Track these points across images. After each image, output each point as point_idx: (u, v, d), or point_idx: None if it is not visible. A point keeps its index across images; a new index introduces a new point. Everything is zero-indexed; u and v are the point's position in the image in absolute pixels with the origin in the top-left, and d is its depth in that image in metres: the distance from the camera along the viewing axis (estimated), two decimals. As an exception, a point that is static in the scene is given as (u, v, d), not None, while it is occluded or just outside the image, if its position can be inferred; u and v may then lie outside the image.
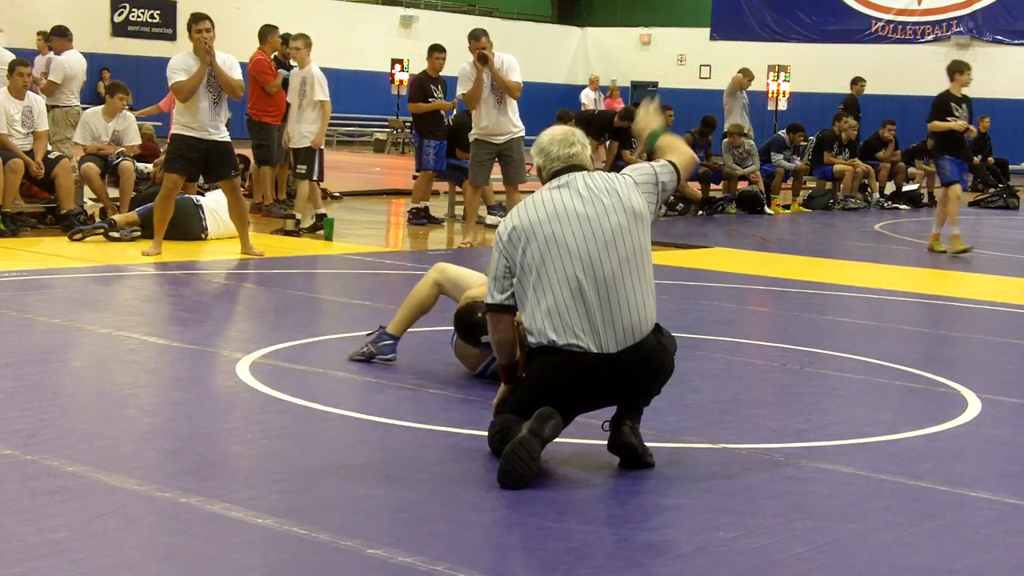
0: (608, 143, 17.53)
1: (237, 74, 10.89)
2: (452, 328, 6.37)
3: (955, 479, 4.98)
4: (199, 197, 11.76)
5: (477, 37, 11.91)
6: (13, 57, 12.52)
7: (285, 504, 4.33)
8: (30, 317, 7.68)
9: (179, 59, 10.64)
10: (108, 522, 4.10)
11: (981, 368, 7.49)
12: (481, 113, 11.93)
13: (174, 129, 10.89)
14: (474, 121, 12.13)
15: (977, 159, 24.47)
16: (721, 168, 18.08)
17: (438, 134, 14.36)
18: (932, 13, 34.97)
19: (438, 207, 15.36)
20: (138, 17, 31.42)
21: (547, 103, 27.04)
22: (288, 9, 30.55)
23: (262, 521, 4.12)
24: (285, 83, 13.53)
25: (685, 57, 39.25)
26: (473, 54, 11.85)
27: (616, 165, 17.09)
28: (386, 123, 32.28)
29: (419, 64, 16.04)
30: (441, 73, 14.32)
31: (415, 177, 14.93)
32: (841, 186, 19.49)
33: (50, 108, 12.93)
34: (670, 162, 5.11)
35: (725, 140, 18.35)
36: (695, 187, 17.21)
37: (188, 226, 11.47)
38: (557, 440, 4.79)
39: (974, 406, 6.25)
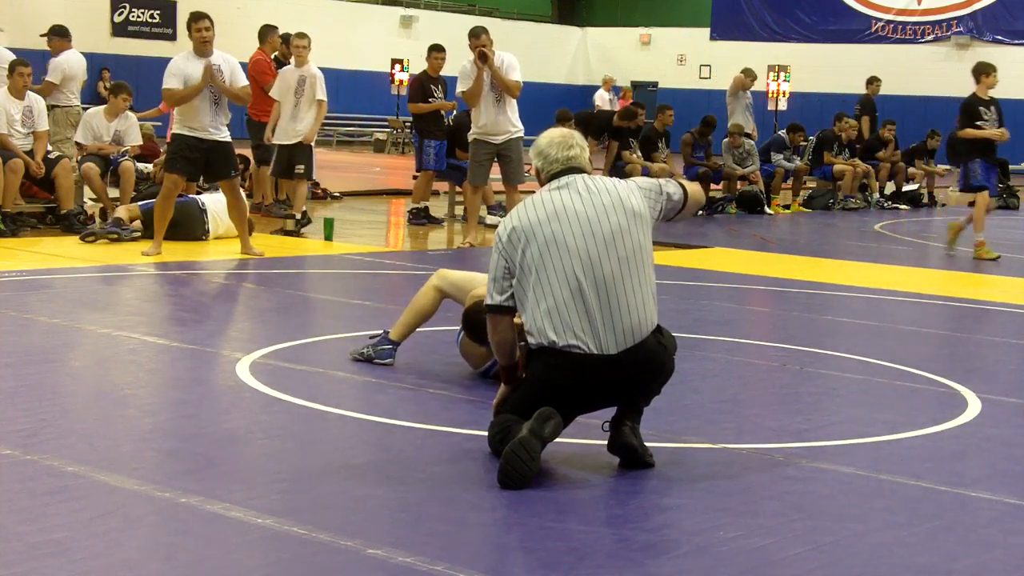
0: (607, 143, 17.51)
1: (241, 77, 10.89)
2: (453, 328, 6.37)
3: (955, 479, 4.98)
4: (203, 199, 11.72)
5: (477, 35, 11.90)
6: (14, 57, 12.51)
7: (285, 504, 4.33)
8: (30, 317, 7.68)
9: (179, 59, 10.64)
10: (108, 522, 4.10)
11: (981, 368, 7.49)
12: (480, 112, 11.92)
13: (175, 129, 10.88)
14: (473, 120, 12.12)
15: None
16: (721, 168, 18.08)
17: (438, 134, 14.35)
18: (932, 13, 34.98)
19: (438, 207, 15.36)
20: (138, 17, 31.40)
21: (547, 103, 27.05)
22: (288, 9, 30.54)
23: (262, 521, 4.12)
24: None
25: (685, 57, 39.25)
26: (473, 52, 11.85)
27: (616, 165, 17.10)
28: (386, 123, 32.27)
29: (419, 64, 16.04)
30: (441, 73, 14.32)
31: (415, 177, 14.93)
32: (841, 186, 19.49)
33: (50, 108, 12.92)
34: (679, 182, 5.26)
35: (725, 140, 18.35)
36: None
37: (191, 228, 11.47)
38: (557, 440, 4.79)
39: (974, 406, 6.25)
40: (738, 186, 18.27)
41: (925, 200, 20.98)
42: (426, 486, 4.59)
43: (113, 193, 12.53)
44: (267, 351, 6.83)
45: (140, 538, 4.02)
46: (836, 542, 4.21)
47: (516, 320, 5.00)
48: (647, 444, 4.95)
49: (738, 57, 32.19)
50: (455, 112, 15.41)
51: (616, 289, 4.82)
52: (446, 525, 4.20)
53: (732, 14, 37.84)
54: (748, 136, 18.66)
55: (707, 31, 38.62)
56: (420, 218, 14.37)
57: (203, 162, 10.61)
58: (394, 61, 30.92)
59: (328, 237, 12.18)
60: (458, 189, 14.93)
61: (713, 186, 18.00)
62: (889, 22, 35.55)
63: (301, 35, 13.02)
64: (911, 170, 21.16)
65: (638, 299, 4.85)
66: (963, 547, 4.25)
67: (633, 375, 4.88)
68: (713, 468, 5.03)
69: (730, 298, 10.02)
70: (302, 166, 12.69)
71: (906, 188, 20.91)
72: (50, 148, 12.42)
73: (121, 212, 11.50)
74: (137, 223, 11.40)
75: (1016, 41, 33.56)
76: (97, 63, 25.93)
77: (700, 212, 17.05)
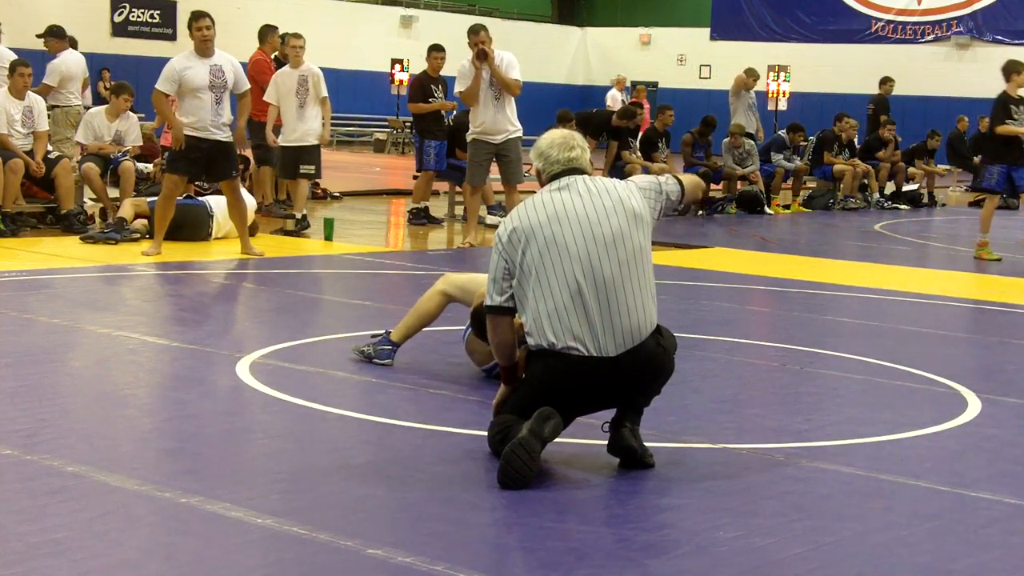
0: (607, 143, 17.50)
1: (243, 79, 10.88)
2: (455, 328, 6.37)
3: (955, 479, 4.98)
4: (211, 204, 11.68)
5: (476, 32, 11.90)
6: (15, 57, 12.50)
7: (285, 504, 4.33)
8: (30, 317, 7.68)
9: (178, 60, 10.62)
10: (108, 522, 4.10)
11: (981, 368, 7.49)
12: (478, 112, 11.91)
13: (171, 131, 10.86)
14: (471, 120, 12.11)
15: (977, 159, 24.48)
16: (721, 168, 18.08)
17: (438, 134, 14.35)
18: (932, 13, 34.98)
19: (438, 207, 15.37)
20: (138, 17, 31.41)
21: (547, 103, 27.08)
22: (288, 9, 30.56)
23: (262, 521, 4.12)
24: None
25: (685, 57, 39.25)
26: (472, 50, 11.85)
27: (616, 165, 17.09)
28: (386, 123, 32.28)
29: (419, 64, 16.04)
30: (441, 73, 14.32)
31: (415, 177, 14.93)
32: (841, 186, 19.49)
33: (50, 108, 12.92)
34: (676, 178, 5.24)
35: (726, 140, 18.35)
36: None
37: (196, 231, 11.47)
38: (557, 440, 4.79)
39: (974, 406, 6.25)
40: (738, 186, 18.27)
41: (925, 200, 20.98)
42: (426, 486, 4.59)
43: (113, 193, 12.53)
44: (267, 351, 6.83)
45: (140, 538, 4.02)
46: (836, 542, 4.21)
47: (516, 321, 5.00)
48: (647, 444, 4.95)
49: (738, 57, 32.18)
50: (455, 112, 15.42)
51: (616, 291, 4.82)
52: (446, 525, 4.20)
53: (732, 14, 37.83)
54: (751, 136, 18.66)
55: (707, 31, 38.61)
56: (420, 218, 14.37)
57: (205, 162, 10.60)
58: (394, 61, 30.93)
59: (328, 237, 12.18)
60: (458, 189, 14.93)
61: (713, 186, 17.99)
62: (889, 22, 35.55)
63: (296, 35, 12.97)
64: (911, 170, 21.16)
65: (638, 301, 4.85)
66: (963, 547, 4.25)
67: (632, 377, 4.87)
68: (713, 468, 5.03)
69: (730, 298, 10.02)
70: (311, 167, 12.66)
71: (906, 188, 20.91)
72: (50, 148, 12.42)
73: (127, 207, 11.47)
74: (141, 222, 11.36)
75: (1016, 41, 33.54)
76: (97, 63, 25.92)
77: (700, 212, 17.08)
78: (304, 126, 12.60)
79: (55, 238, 11.51)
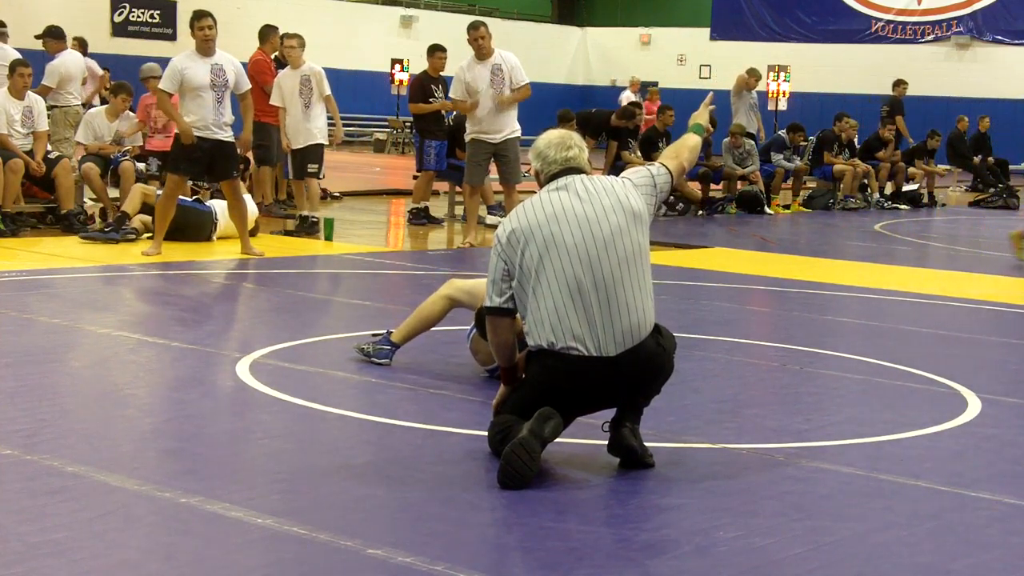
0: (607, 143, 17.49)
1: (244, 80, 10.87)
2: (455, 328, 6.37)
3: (955, 479, 4.98)
4: (216, 210, 11.64)
5: (476, 27, 11.92)
6: (15, 56, 12.48)
7: (285, 504, 4.33)
8: (30, 317, 7.68)
9: (180, 59, 10.62)
10: (108, 522, 4.10)
11: (981, 368, 7.49)
12: (477, 111, 11.89)
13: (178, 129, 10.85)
14: (469, 119, 12.09)
15: (977, 159, 24.49)
16: (721, 168, 18.08)
17: (439, 134, 14.34)
18: (932, 13, 34.97)
19: (438, 207, 15.36)
20: (138, 17, 31.41)
21: (547, 103, 27.03)
22: (288, 9, 30.55)
23: (262, 521, 4.12)
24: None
25: (685, 57, 39.25)
26: (472, 45, 11.86)
27: (616, 166, 17.08)
28: (386, 123, 32.28)
29: (419, 64, 16.04)
30: (441, 73, 14.31)
31: (415, 177, 14.92)
32: (841, 186, 19.49)
33: (50, 108, 12.92)
34: (664, 166, 5.18)
35: (726, 140, 18.35)
36: (695, 187, 17.20)
37: (198, 233, 11.46)
38: (557, 440, 4.79)
39: (974, 406, 6.25)
40: (738, 186, 18.27)
41: (925, 200, 20.97)
42: (426, 486, 4.59)
43: (113, 193, 12.53)
44: (267, 351, 6.83)
45: (140, 538, 4.02)
46: (836, 542, 4.21)
47: (517, 323, 5.00)
48: (647, 444, 4.95)
49: (738, 57, 32.18)
50: (455, 112, 15.41)
51: (616, 291, 4.82)
52: (446, 525, 4.20)
53: (732, 14, 37.82)
54: (752, 136, 18.66)
55: (707, 31, 38.61)
56: (420, 218, 14.37)
57: (207, 161, 10.59)
58: (394, 61, 30.93)
59: (328, 237, 12.18)
60: (458, 189, 14.91)
61: (713, 186, 18.00)
62: (889, 22, 35.55)
63: (291, 35, 12.91)
64: (911, 170, 21.16)
65: (637, 301, 4.85)
66: (963, 547, 4.25)
67: (632, 377, 4.87)
68: (713, 468, 5.03)
69: (730, 298, 10.02)
70: (315, 165, 12.64)
71: (906, 188, 20.91)
72: (50, 148, 12.42)
73: (135, 195, 11.41)
74: (140, 220, 11.31)
75: (1016, 41, 33.56)
76: (97, 63, 25.89)
77: (700, 212, 17.07)
78: (307, 126, 12.54)
79: (55, 238, 11.50)
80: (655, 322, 4.94)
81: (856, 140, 20.41)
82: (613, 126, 17.23)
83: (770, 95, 25.93)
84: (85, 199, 12.81)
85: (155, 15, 31.53)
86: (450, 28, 28.92)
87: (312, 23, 28.41)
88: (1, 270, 9.43)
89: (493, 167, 12.49)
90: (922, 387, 6.73)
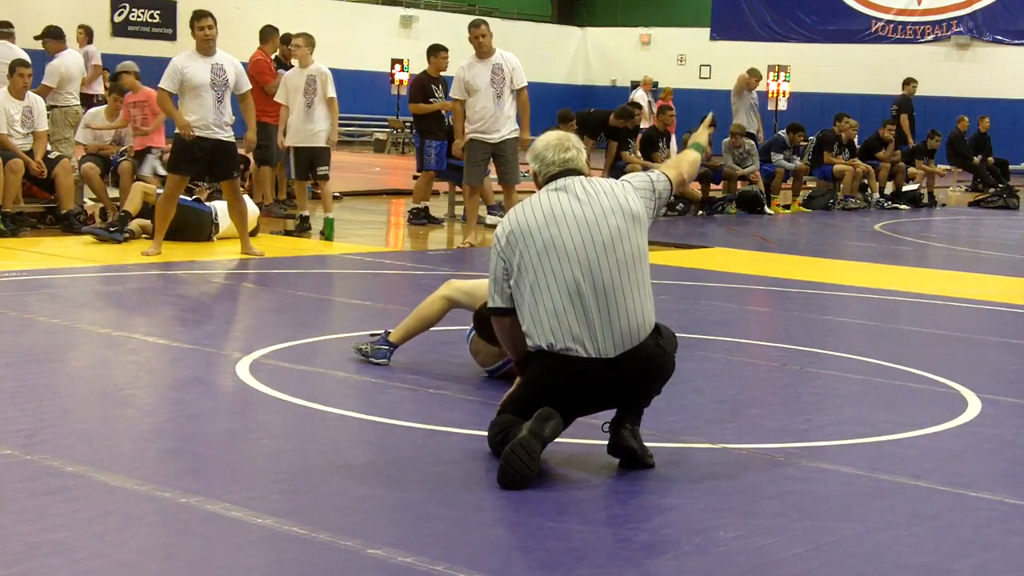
0: (607, 144, 17.49)
1: (245, 80, 10.87)
2: (454, 328, 6.37)
3: (955, 479, 4.98)
4: (216, 212, 11.64)
5: (477, 25, 11.92)
6: (16, 56, 12.47)
7: (285, 504, 4.33)
8: (30, 317, 7.68)
9: (180, 59, 10.62)
10: (108, 522, 4.10)
11: (981, 368, 7.49)
12: (475, 110, 11.89)
13: (178, 129, 10.84)
14: (468, 119, 12.07)
15: (977, 159, 24.49)
16: (721, 168, 18.08)
17: (439, 134, 14.33)
18: (932, 13, 34.97)
19: (438, 207, 15.36)
20: (138, 17, 31.40)
21: (547, 103, 27.05)
22: (288, 9, 30.54)
23: (262, 521, 4.12)
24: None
25: (685, 57, 39.24)
26: (472, 43, 11.86)
27: (616, 166, 17.09)
28: (386, 123, 32.28)
29: (419, 64, 16.04)
30: (442, 73, 14.31)
31: (415, 177, 14.92)
32: (841, 186, 19.49)
33: (50, 108, 12.92)
34: (665, 174, 5.20)
35: (726, 140, 18.35)
36: (695, 187, 17.20)
37: (198, 234, 11.46)
38: (557, 440, 4.79)
39: (974, 406, 6.25)
40: (738, 186, 18.27)
41: (925, 200, 20.97)
42: (426, 486, 4.59)
43: (113, 193, 12.53)
44: (267, 351, 6.83)
45: (140, 538, 4.02)
46: (836, 542, 4.21)
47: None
48: (647, 444, 4.95)
49: (738, 57, 32.18)
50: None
51: (615, 292, 4.82)
52: (446, 525, 4.20)
53: (732, 14, 37.82)
54: (752, 136, 18.65)
55: (707, 31, 38.60)
56: (420, 218, 14.37)
57: (207, 162, 10.59)
58: (394, 61, 30.92)
59: (328, 237, 12.18)
60: (458, 189, 14.90)
61: (713, 186, 18.00)
62: (889, 22, 35.54)
63: (297, 35, 12.88)
64: (911, 170, 21.16)
65: (637, 302, 4.85)
66: (963, 547, 4.25)
67: (632, 378, 4.87)
68: (713, 468, 5.03)
69: (730, 298, 10.02)
70: (325, 167, 12.62)
71: (906, 188, 20.91)
72: (50, 148, 12.42)
73: (136, 193, 11.41)
74: (139, 223, 11.32)
75: (1016, 41, 33.56)
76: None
77: (700, 212, 17.07)
78: (312, 126, 12.48)
79: (55, 238, 11.50)
80: (656, 322, 4.95)
81: (856, 140, 20.41)
82: (612, 126, 17.23)
83: (770, 95, 25.93)
84: (85, 199, 12.81)
85: (155, 15, 31.52)
86: (450, 28, 28.92)
87: (312, 23, 28.30)
88: (1, 270, 9.43)
89: (494, 168, 12.49)
90: (922, 387, 6.73)
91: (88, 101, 15.49)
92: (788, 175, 18.92)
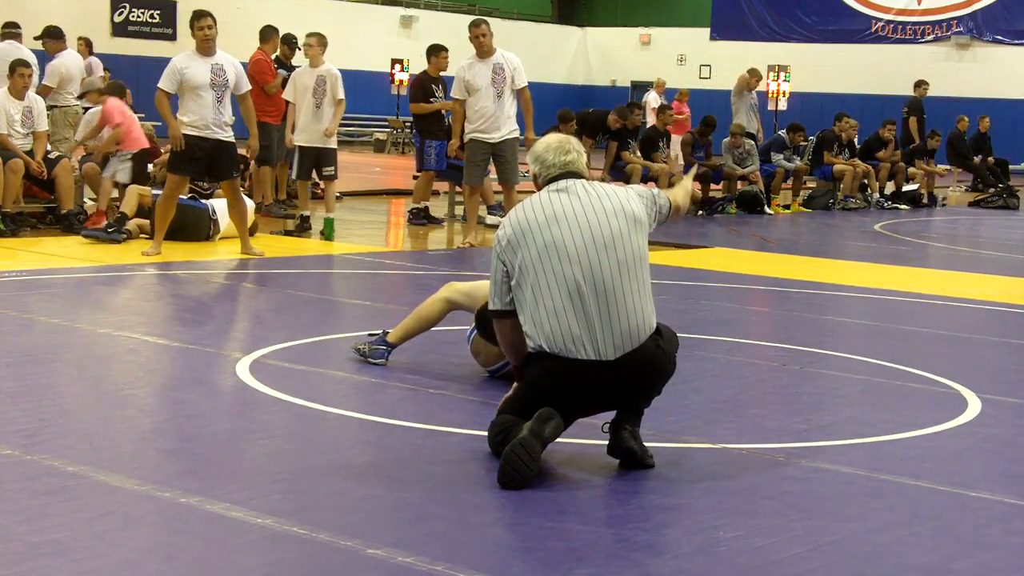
0: (607, 144, 17.48)
1: (244, 80, 10.86)
2: (453, 328, 6.37)
3: (955, 479, 4.98)
4: (214, 209, 11.64)
5: (477, 24, 11.92)
6: (17, 56, 12.47)
7: (285, 504, 4.33)
8: (30, 317, 7.68)
9: (180, 59, 10.61)
10: (108, 522, 4.10)
11: (981, 368, 7.49)
12: (475, 110, 11.89)
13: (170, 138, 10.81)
14: (468, 119, 12.08)
15: (977, 159, 24.50)
16: (721, 168, 18.08)
17: (439, 134, 14.32)
18: (932, 13, 34.97)
19: (438, 207, 15.36)
20: (138, 17, 31.41)
21: (547, 103, 27.04)
22: (288, 9, 30.55)
23: (262, 521, 4.12)
24: (284, 83, 13.44)
25: (685, 57, 39.25)
26: (473, 43, 11.85)
27: (616, 166, 17.09)
28: (386, 123, 32.28)
29: (419, 64, 16.03)
30: (442, 73, 14.31)
31: (415, 177, 14.92)
32: (841, 186, 19.49)
33: (50, 108, 12.92)
34: (666, 195, 5.28)
35: (726, 140, 18.36)
36: (695, 187, 17.20)
37: (197, 233, 11.45)
38: (557, 440, 4.79)
39: (974, 406, 6.25)
40: (738, 186, 18.27)
41: (925, 200, 20.97)
42: (426, 486, 4.59)
43: (112, 193, 12.52)
44: (267, 351, 6.83)
45: (140, 538, 4.02)
46: (836, 542, 4.21)
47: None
48: (647, 444, 4.95)
49: (738, 57, 32.18)
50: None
51: (615, 294, 4.82)
52: (446, 525, 4.20)
53: (732, 14, 37.83)
54: (752, 136, 18.65)
55: (707, 31, 38.61)
56: (420, 218, 14.37)
57: (207, 162, 10.58)
58: (394, 61, 30.92)
59: (328, 237, 12.18)
60: (458, 189, 14.90)
61: (713, 186, 18.01)
62: (889, 22, 35.55)
63: (311, 34, 12.82)
64: (911, 170, 21.16)
65: (637, 303, 4.85)
66: (963, 547, 4.25)
67: (632, 379, 4.87)
68: (713, 468, 5.03)
69: (730, 298, 10.02)
70: (331, 168, 12.60)
71: (906, 188, 20.92)
72: (50, 148, 12.42)
73: (131, 197, 11.41)
74: (136, 223, 11.31)
75: (1016, 41, 33.56)
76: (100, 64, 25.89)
77: (700, 212, 17.07)
78: (320, 126, 12.44)
79: (55, 238, 11.51)
80: (657, 323, 4.95)
81: (856, 140, 20.41)
82: (612, 127, 17.23)
83: (770, 95, 25.93)
84: (85, 199, 12.81)
85: (155, 15, 31.53)
86: (450, 28, 28.93)
87: (312, 23, 28.29)
88: (1, 270, 9.43)
89: (494, 167, 12.49)
90: (922, 387, 6.73)
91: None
92: (788, 175, 18.92)
